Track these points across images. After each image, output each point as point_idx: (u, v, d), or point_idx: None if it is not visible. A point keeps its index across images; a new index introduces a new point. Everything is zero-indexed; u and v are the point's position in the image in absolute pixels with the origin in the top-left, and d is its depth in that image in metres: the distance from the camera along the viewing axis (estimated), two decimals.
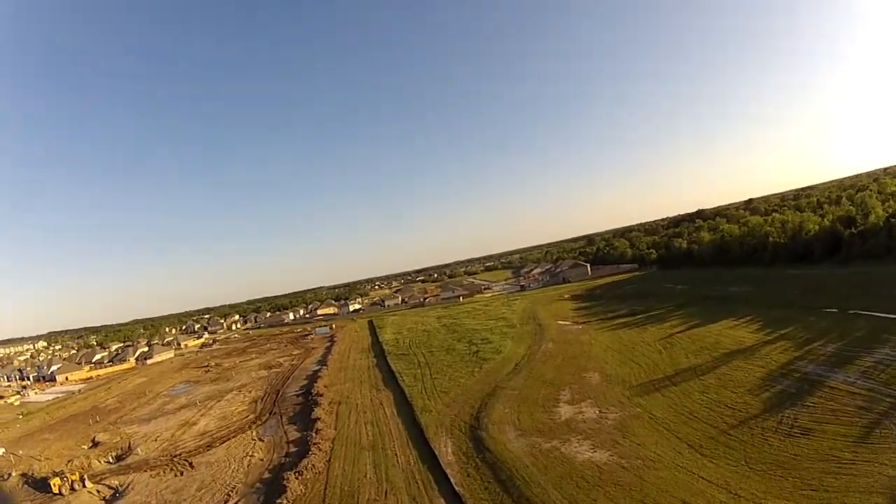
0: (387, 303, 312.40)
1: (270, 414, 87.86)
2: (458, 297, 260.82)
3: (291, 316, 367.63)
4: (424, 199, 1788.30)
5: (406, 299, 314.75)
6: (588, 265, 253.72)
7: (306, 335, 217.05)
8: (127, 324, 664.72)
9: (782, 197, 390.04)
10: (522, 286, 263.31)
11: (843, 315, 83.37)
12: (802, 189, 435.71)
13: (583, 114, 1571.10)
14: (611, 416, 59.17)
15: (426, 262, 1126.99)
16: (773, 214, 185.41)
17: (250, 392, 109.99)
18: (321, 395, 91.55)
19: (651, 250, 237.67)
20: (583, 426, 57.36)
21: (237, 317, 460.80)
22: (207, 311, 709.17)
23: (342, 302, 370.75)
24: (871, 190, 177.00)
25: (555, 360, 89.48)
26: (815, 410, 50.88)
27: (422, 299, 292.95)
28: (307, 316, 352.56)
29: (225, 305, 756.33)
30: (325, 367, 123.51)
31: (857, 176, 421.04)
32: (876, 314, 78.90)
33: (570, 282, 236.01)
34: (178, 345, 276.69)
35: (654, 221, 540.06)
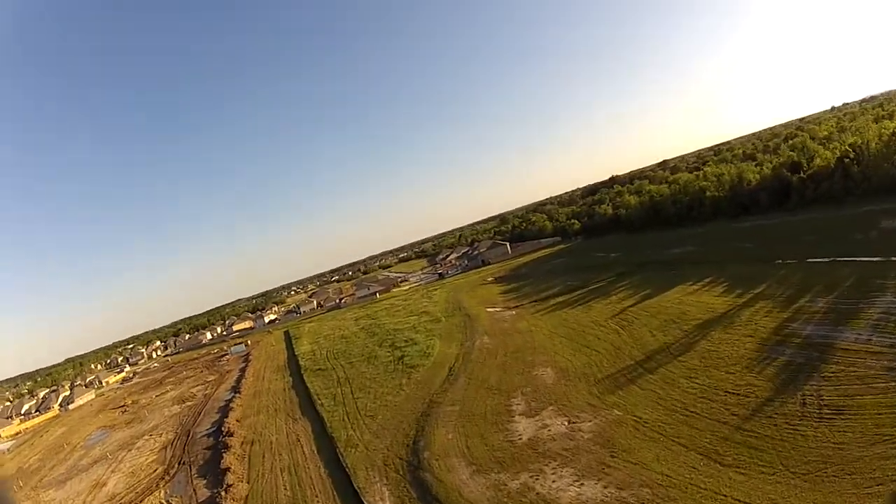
0: (302, 309, 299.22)
1: (180, 464, 78.15)
2: (375, 293, 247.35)
3: (209, 335, 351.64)
4: (328, 197, 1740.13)
5: (322, 303, 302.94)
6: (507, 244, 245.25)
7: (222, 356, 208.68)
8: (58, 365, 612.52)
9: (698, 155, 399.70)
10: (440, 274, 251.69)
11: (818, 264, 76.99)
12: (717, 146, 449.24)
13: (481, 94, 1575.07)
14: (585, 426, 47.58)
15: (339, 260, 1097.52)
16: (704, 169, 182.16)
17: (161, 436, 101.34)
18: (232, 435, 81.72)
19: (573, 220, 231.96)
20: (553, 446, 45.36)
21: (158, 343, 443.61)
22: (133, 339, 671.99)
23: (257, 314, 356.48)
24: (802, 136, 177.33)
25: (495, 358, 77.55)
26: (838, 381, 42.27)
27: (338, 301, 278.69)
28: (224, 333, 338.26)
29: (148, 332, 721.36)
30: (238, 394, 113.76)
31: (772, 128, 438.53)
32: (856, 259, 72.87)
33: (490, 263, 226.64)
34: (100, 382, 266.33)
35: (567, 193, 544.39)
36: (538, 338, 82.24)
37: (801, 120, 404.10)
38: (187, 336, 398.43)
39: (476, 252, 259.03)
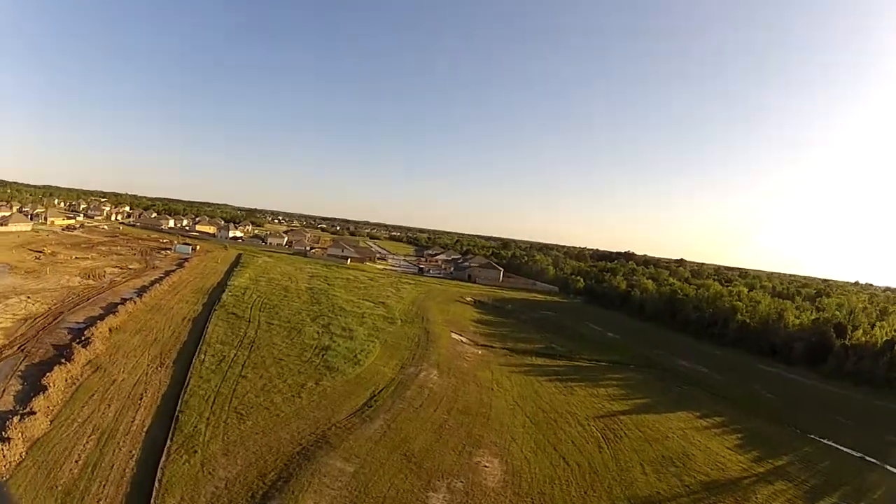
0: (269, 240, 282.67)
1: (20, 349, 62.23)
2: (347, 258, 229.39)
3: (172, 223, 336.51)
4: (357, 154, 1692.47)
5: (292, 243, 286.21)
6: (501, 270, 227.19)
7: (165, 248, 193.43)
8: (29, 186, 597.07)
9: (717, 269, 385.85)
10: (421, 269, 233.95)
11: (847, 455, 65.27)
12: (740, 269, 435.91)
13: (544, 121, 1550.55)
14: None
15: (337, 212, 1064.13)
16: (739, 287, 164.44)
17: (35, 304, 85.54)
18: (89, 345, 63.66)
19: (578, 277, 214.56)
20: None
21: (127, 209, 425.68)
22: (114, 195, 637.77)
23: (225, 224, 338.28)
24: (845, 298, 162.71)
25: (434, 408, 58.89)
26: None
27: (307, 248, 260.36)
28: (187, 228, 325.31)
29: (129, 195, 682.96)
30: (139, 298, 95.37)
31: (792, 275, 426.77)
32: (888, 467, 62.56)
33: (476, 282, 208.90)
34: (45, 220, 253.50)
35: (576, 248, 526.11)
36: (497, 403, 63.98)
37: (824, 281, 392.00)
38: (154, 214, 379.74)
39: (466, 264, 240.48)
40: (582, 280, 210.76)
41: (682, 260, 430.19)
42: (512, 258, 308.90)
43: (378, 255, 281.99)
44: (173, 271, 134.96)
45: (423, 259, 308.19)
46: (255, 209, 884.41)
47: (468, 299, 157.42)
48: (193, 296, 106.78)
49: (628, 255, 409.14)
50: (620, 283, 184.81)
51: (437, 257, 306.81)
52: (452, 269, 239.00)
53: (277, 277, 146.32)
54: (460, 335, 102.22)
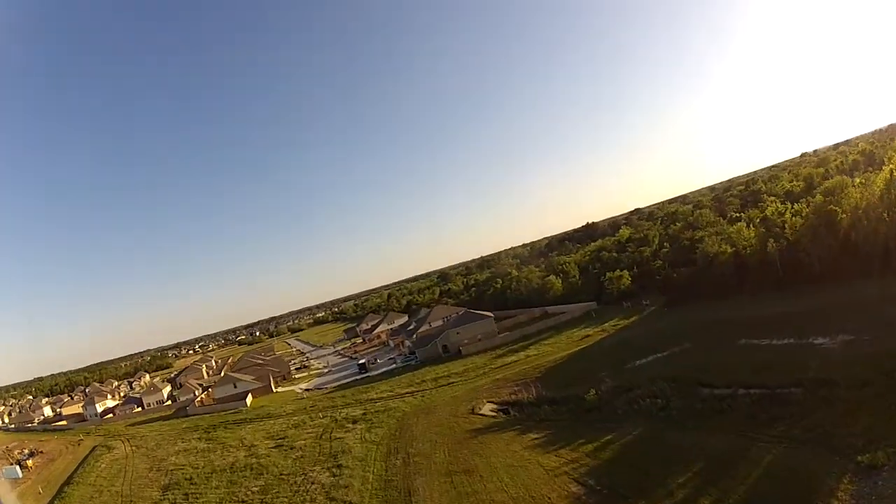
0: (146, 400, 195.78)
1: None
2: (245, 395, 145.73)
3: (47, 411, 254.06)
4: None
5: (176, 393, 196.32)
6: (492, 316, 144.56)
7: None
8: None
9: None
10: (362, 365, 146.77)
11: None
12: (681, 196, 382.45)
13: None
14: None
15: (256, 315, 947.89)
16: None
17: None
18: None
19: (617, 273, 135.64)
20: None
21: (30, 397, 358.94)
22: (38, 381, 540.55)
23: (90, 398, 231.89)
24: None
25: None
26: None
27: (192, 397, 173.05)
28: (56, 415, 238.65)
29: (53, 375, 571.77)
30: None
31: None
32: None
33: (460, 354, 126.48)
34: None
35: (527, 244, 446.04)
36: None
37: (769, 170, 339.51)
38: (44, 400, 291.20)
39: (428, 326, 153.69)
40: (626, 274, 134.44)
41: (636, 210, 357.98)
42: (475, 290, 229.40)
43: (298, 363, 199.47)
44: None
45: (359, 342, 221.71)
46: (179, 343, 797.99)
47: (487, 409, 75.51)
48: None
49: (587, 228, 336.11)
50: (709, 246, 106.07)
51: (378, 330, 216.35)
52: (411, 344, 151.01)
53: None
54: None
